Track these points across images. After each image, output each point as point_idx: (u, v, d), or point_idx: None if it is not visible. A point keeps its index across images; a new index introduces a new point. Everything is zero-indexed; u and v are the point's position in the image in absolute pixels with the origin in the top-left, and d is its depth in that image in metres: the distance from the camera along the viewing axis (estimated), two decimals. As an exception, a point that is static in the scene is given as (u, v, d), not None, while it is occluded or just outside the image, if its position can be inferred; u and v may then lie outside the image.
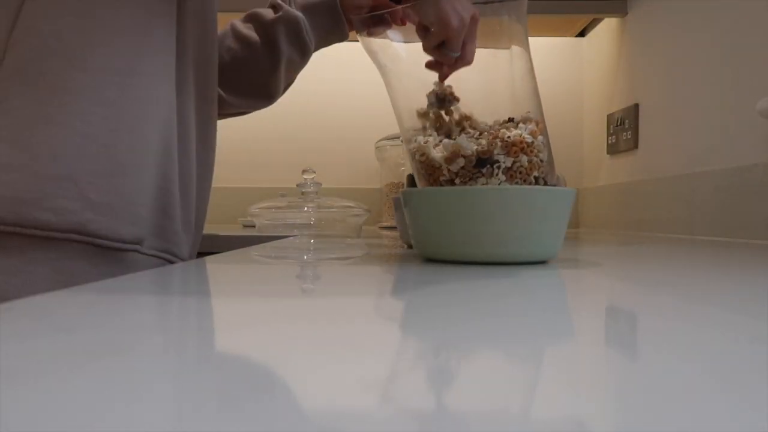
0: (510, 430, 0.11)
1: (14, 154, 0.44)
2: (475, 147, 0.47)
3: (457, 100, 0.53)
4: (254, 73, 0.75)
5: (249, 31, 0.75)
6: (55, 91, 0.45)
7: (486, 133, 0.49)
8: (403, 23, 0.62)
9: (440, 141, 0.50)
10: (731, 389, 0.13)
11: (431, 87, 0.57)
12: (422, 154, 0.50)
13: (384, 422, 0.11)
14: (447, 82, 0.55)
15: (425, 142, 0.51)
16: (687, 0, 1.14)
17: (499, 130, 0.49)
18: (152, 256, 0.53)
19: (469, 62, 0.56)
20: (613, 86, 1.50)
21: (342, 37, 0.76)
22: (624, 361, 0.16)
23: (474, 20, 0.56)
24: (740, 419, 0.11)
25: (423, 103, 0.56)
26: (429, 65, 0.56)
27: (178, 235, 0.55)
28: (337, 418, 0.12)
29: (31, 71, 0.45)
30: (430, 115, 0.53)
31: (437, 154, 0.49)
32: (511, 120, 0.51)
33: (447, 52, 0.55)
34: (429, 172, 0.50)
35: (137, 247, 0.50)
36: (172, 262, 0.55)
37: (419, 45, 0.59)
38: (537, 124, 0.50)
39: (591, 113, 1.68)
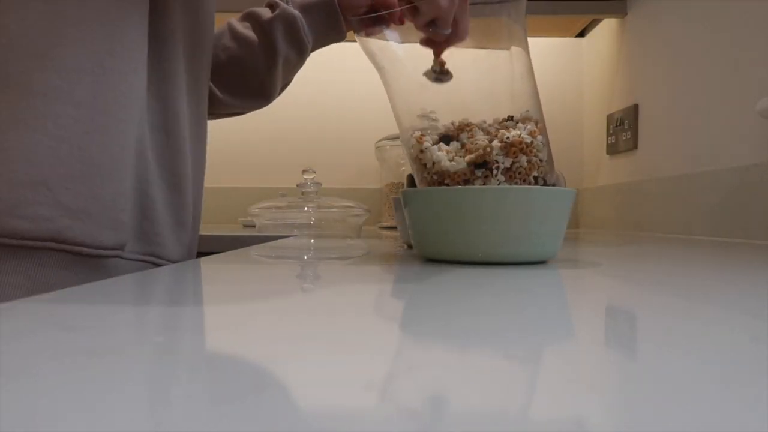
0: (510, 430, 0.11)
1: None
2: (458, 165, 0.48)
3: (450, 75, 0.53)
4: (251, 73, 0.75)
5: (246, 30, 0.75)
6: (25, 93, 0.44)
7: (484, 136, 0.49)
8: (401, 23, 0.62)
9: (438, 141, 0.50)
10: (731, 389, 0.13)
11: (429, 86, 0.57)
12: (421, 152, 0.50)
13: (383, 422, 0.11)
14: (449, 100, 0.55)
15: (421, 141, 0.51)
16: (687, 0, 1.14)
17: (498, 130, 0.49)
18: (135, 260, 0.51)
19: (462, 38, 0.56)
20: (613, 86, 1.50)
21: (340, 37, 0.76)
22: (624, 361, 0.16)
23: None
24: (740, 419, 0.11)
25: (421, 102, 0.56)
26: (423, 42, 0.56)
27: (162, 237, 0.54)
28: (337, 418, 0.12)
29: (2, 73, 0.44)
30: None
31: (443, 160, 0.49)
32: (510, 118, 0.51)
33: (438, 30, 0.55)
34: (430, 173, 0.50)
35: (119, 252, 0.48)
36: (157, 265, 0.53)
37: (417, 45, 0.59)
38: (536, 124, 0.50)
39: (591, 113, 1.68)
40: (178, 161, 0.56)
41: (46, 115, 0.44)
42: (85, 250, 0.45)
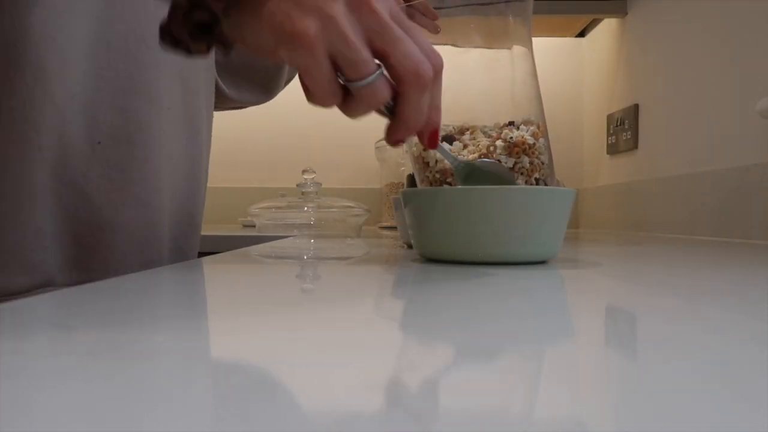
0: (510, 430, 0.11)
1: None
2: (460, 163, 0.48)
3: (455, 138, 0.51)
4: (259, 68, 0.74)
5: None
6: None
7: (485, 139, 0.49)
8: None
9: (441, 140, 0.51)
10: (731, 389, 0.13)
11: None
12: (424, 150, 0.51)
13: (383, 422, 0.11)
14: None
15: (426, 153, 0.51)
16: (687, 0, 1.14)
17: (501, 132, 0.49)
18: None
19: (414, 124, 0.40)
20: (613, 86, 1.50)
21: None
22: (624, 361, 0.16)
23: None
24: (740, 419, 0.11)
25: None
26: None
27: (112, 261, 0.50)
28: (337, 418, 0.12)
29: None
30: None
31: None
32: (511, 123, 0.51)
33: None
34: (430, 173, 0.51)
35: (45, 289, 0.45)
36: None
37: None
38: (538, 127, 0.50)
39: (591, 113, 1.68)
40: (144, 173, 0.52)
41: None
42: None
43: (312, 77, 0.33)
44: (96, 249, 0.49)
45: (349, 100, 0.35)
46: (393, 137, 0.38)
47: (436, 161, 0.50)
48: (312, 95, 0.34)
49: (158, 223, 0.55)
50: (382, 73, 0.34)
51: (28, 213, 0.45)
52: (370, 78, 0.33)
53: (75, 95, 0.47)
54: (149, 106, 0.53)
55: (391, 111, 0.36)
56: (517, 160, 0.48)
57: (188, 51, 0.37)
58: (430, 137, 0.39)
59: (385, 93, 0.34)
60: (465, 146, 0.50)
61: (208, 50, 0.37)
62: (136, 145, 0.51)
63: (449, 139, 0.50)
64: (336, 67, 0.33)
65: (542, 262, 0.46)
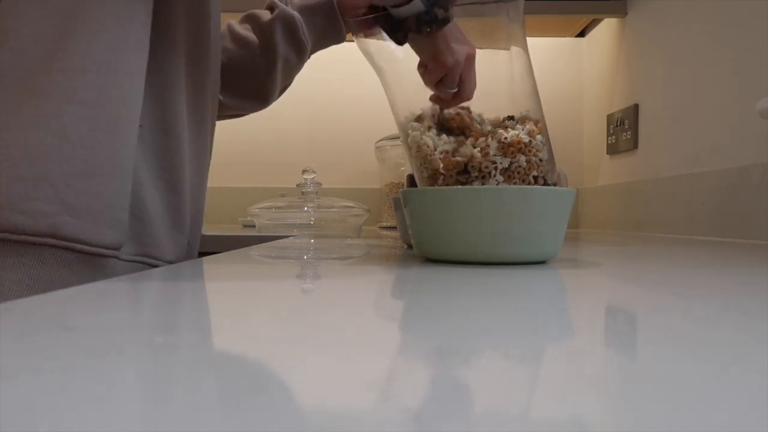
0: (510, 430, 0.11)
1: None
2: (436, 163, 0.49)
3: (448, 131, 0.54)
4: (250, 75, 0.75)
5: (246, 32, 0.75)
6: (30, 93, 0.44)
7: (480, 139, 0.49)
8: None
9: (438, 135, 0.51)
10: (731, 389, 0.13)
11: (428, 87, 0.58)
12: (419, 149, 0.51)
13: (383, 422, 0.11)
14: None
15: (422, 139, 0.51)
16: (687, 0, 1.14)
17: (496, 130, 0.49)
18: (130, 261, 0.51)
19: (467, 98, 0.59)
20: (613, 86, 1.50)
21: (339, 39, 0.76)
22: (624, 361, 0.16)
23: (470, 58, 0.59)
24: (740, 419, 0.11)
25: (420, 103, 0.56)
26: (432, 99, 0.59)
27: (156, 238, 0.53)
28: (337, 418, 0.12)
29: (9, 74, 0.44)
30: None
31: (428, 144, 0.50)
32: (511, 118, 0.51)
33: (444, 89, 0.58)
34: (430, 173, 0.51)
35: (116, 253, 0.48)
36: (152, 266, 0.53)
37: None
38: (536, 124, 0.50)
39: (591, 113, 1.68)
40: (176, 162, 0.55)
41: (50, 113, 0.44)
42: (85, 248, 0.45)
43: (457, 69, 0.59)
44: (143, 225, 0.52)
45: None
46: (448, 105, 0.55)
47: (418, 148, 0.51)
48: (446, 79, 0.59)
49: (184, 211, 0.58)
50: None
51: (120, 172, 0.48)
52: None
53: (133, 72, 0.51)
54: (176, 103, 0.56)
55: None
56: (513, 160, 0.48)
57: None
58: None
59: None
60: (457, 147, 0.50)
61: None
62: (169, 134, 0.55)
63: (447, 129, 0.52)
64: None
65: (542, 262, 0.46)
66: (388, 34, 0.57)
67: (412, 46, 0.59)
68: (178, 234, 0.58)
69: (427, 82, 0.59)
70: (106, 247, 0.47)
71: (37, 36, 0.45)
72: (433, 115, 0.54)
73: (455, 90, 0.59)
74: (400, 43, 0.58)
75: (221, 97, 0.75)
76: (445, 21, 0.56)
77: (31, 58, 0.45)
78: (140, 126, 0.52)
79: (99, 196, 0.46)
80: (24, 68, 0.44)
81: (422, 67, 0.60)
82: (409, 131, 0.53)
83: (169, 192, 0.55)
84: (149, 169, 0.53)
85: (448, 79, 0.58)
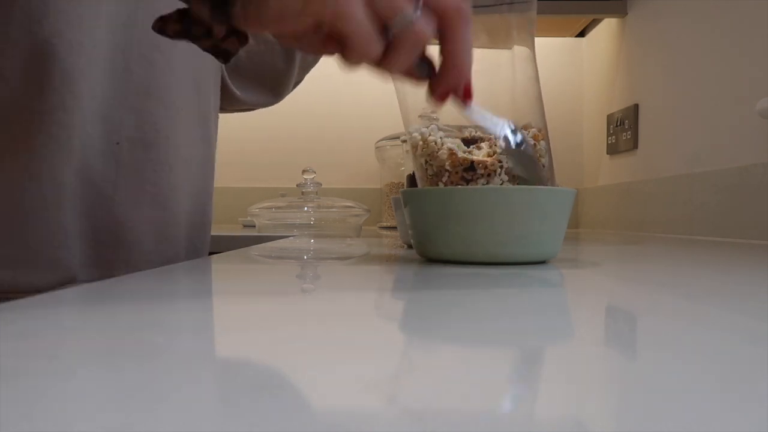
0: (510, 430, 0.11)
1: None
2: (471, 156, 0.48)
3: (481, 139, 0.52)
4: (269, 69, 0.75)
5: None
6: None
7: (486, 142, 0.49)
8: None
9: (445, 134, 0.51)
10: (731, 389, 0.13)
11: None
12: (425, 143, 0.51)
13: (383, 422, 0.11)
14: None
15: (430, 135, 0.51)
16: (687, 0, 1.14)
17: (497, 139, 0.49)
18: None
19: (464, 71, 0.38)
20: (613, 86, 1.50)
21: None
22: (624, 361, 0.16)
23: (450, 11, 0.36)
24: (740, 419, 0.11)
25: (424, 102, 0.56)
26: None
27: (133, 258, 0.52)
28: (337, 418, 0.12)
29: None
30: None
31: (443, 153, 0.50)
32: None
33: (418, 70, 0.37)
34: (435, 170, 0.51)
35: (66, 287, 0.46)
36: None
37: None
38: (539, 130, 0.50)
39: (591, 113, 1.68)
40: (161, 174, 0.54)
41: None
42: (21, 296, 0.44)
43: (351, 23, 0.30)
44: (116, 247, 0.51)
45: (391, 52, 0.33)
46: (441, 88, 0.36)
47: (437, 154, 0.50)
48: (352, 47, 0.32)
49: (174, 222, 0.57)
50: (420, 8, 0.32)
51: (54, 211, 0.46)
52: (411, 15, 0.31)
53: (96, 97, 0.49)
54: (164, 109, 0.54)
55: (426, 73, 0.36)
56: None
57: (195, 39, 0.35)
58: (466, 88, 0.38)
59: (428, 30, 0.32)
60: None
61: (239, 44, 0.35)
62: (151, 146, 0.53)
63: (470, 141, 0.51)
64: (374, 19, 0.31)
65: (542, 262, 0.46)
66: None
67: None
68: (166, 247, 0.56)
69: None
70: (44, 290, 0.45)
71: None
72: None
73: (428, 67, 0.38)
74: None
75: (238, 93, 0.74)
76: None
77: None
78: (117, 143, 0.50)
79: (25, 243, 0.45)
80: None
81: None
82: (419, 126, 0.53)
83: (153, 206, 0.54)
84: (128, 186, 0.51)
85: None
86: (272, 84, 0.76)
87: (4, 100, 0.44)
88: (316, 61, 0.78)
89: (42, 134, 0.45)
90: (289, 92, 0.80)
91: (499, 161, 0.48)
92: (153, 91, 0.53)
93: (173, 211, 0.56)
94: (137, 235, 0.52)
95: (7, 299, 0.44)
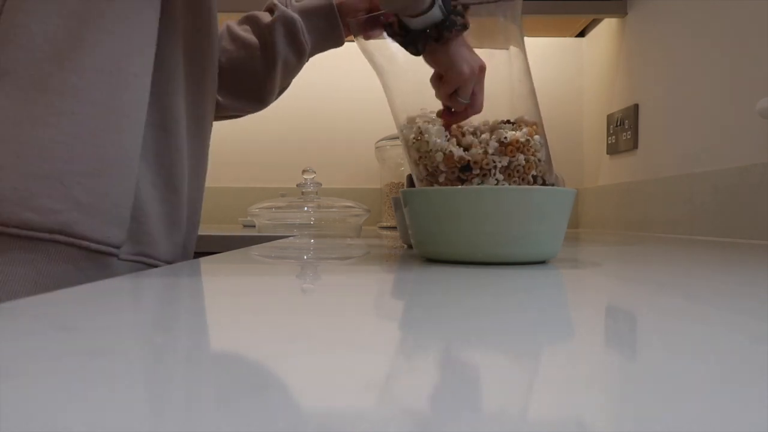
0: (510, 430, 0.11)
1: (0, 154, 0.43)
2: (458, 151, 0.49)
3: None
4: (249, 76, 0.75)
5: (246, 33, 0.75)
6: (43, 92, 0.45)
7: (478, 138, 0.50)
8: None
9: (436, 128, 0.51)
10: (732, 389, 0.13)
11: (427, 86, 0.58)
12: (420, 145, 0.51)
13: (383, 422, 0.11)
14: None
15: (425, 129, 0.51)
16: (687, 0, 1.14)
17: (495, 130, 0.50)
18: (128, 260, 0.51)
19: (478, 110, 0.58)
20: (613, 86, 1.50)
21: (338, 42, 0.77)
22: (624, 361, 0.16)
23: (482, 70, 0.59)
24: (741, 419, 0.11)
25: (419, 104, 0.56)
26: (439, 114, 0.58)
27: (152, 236, 0.54)
28: (337, 417, 0.12)
29: (21, 72, 0.45)
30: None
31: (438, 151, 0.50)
32: (507, 122, 0.52)
33: (459, 99, 0.57)
34: (430, 170, 0.51)
35: (117, 251, 0.49)
36: (150, 266, 0.53)
37: None
38: (533, 126, 0.51)
39: (591, 113, 1.68)
40: (174, 159, 0.56)
41: (63, 112, 0.45)
42: (92, 245, 0.46)
43: (468, 89, 0.57)
44: (138, 230, 0.53)
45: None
46: (459, 118, 0.57)
47: (429, 152, 0.51)
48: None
49: (181, 212, 0.58)
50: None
51: (130, 171, 0.49)
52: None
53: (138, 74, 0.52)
54: (178, 91, 0.56)
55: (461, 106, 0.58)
56: (512, 159, 0.48)
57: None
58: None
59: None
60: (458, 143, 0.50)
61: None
62: (168, 131, 0.55)
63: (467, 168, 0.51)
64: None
65: (542, 262, 0.46)
66: (404, 47, 0.57)
67: (426, 59, 0.58)
68: (174, 233, 0.58)
69: (440, 95, 0.59)
70: (111, 245, 0.48)
71: (47, 34, 0.46)
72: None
73: (467, 101, 0.58)
74: (416, 54, 0.57)
75: (219, 98, 0.75)
76: (464, 27, 0.56)
77: (42, 57, 0.45)
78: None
79: (108, 195, 0.47)
80: (36, 66, 0.45)
81: (436, 80, 0.59)
82: (411, 127, 0.53)
83: (167, 190, 0.56)
84: (148, 167, 0.53)
85: (462, 90, 0.57)
86: (255, 89, 0.77)
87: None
88: (299, 68, 0.78)
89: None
90: (275, 98, 0.81)
91: (492, 161, 0.48)
92: (170, 77, 0.55)
93: (180, 200, 0.58)
94: (153, 216, 0.54)
95: (81, 247, 0.45)
